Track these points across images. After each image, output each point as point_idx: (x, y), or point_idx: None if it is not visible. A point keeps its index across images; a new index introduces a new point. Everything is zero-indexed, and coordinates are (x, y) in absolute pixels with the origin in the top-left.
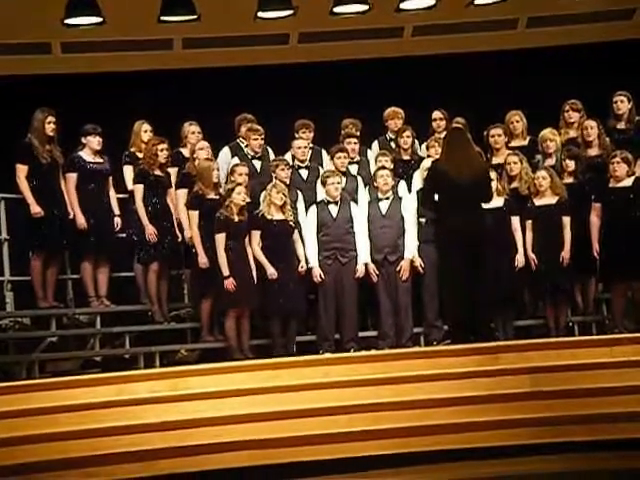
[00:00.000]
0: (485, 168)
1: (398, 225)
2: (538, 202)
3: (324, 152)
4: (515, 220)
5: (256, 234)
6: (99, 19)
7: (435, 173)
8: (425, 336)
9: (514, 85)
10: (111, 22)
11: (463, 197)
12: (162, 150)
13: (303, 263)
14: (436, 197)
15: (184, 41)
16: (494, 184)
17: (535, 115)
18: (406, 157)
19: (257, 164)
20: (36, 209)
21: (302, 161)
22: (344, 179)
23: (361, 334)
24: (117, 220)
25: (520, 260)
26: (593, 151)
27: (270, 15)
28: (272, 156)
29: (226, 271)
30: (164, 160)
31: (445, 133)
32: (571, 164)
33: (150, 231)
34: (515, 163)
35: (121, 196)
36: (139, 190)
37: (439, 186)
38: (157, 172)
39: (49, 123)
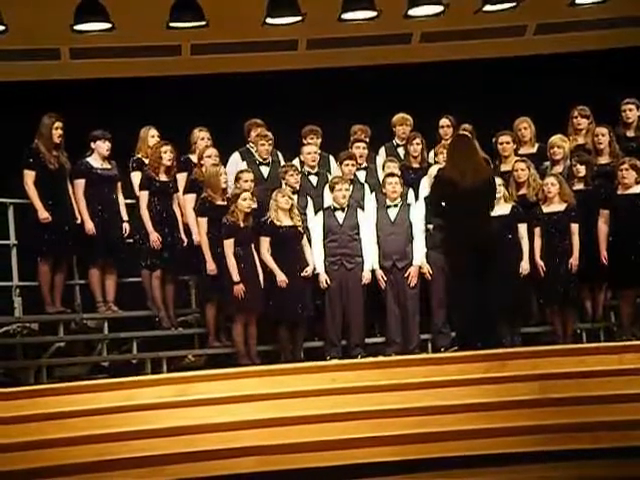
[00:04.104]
0: (490, 175)
1: (406, 232)
2: (546, 209)
3: (332, 158)
4: (522, 227)
5: (265, 240)
6: (108, 25)
7: (440, 180)
8: (432, 343)
9: (522, 92)
10: (120, 28)
11: (468, 204)
12: (165, 152)
13: (309, 268)
14: (443, 204)
15: (193, 47)
16: (502, 190)
17: (543, 122)
18: (415, 165)
19: (264, 170)
20: (44, 214)
21: (312, 167)
22: (351, 186)
23: (368, 340)
24: (125, 226)
25: (525, 267)
26: (604, 159)
27: (278, 21)
28: (282, 161)
29: (236, 277)
30: (168, 163)
31: (450, 140)
32: (582, 169)
33: (154, 237)
34: (523, 170)
35: (129, 201)
36: (144, 196)
37: (445, 193)
38: (163, 177)
39: (56, 129)
